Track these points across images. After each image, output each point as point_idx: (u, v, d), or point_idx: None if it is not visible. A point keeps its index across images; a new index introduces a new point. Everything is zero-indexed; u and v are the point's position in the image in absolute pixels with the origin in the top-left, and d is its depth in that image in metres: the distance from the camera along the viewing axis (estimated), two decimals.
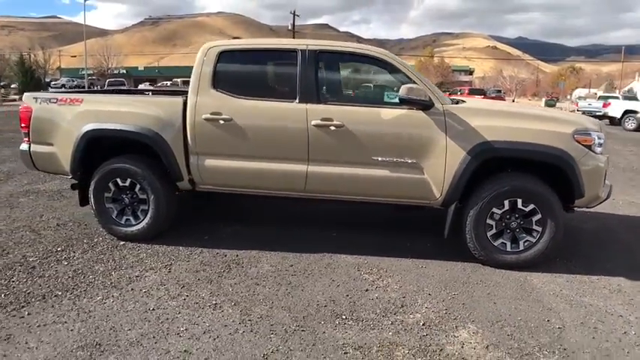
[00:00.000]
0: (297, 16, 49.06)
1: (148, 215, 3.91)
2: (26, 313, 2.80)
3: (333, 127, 3.49)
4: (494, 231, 3.51)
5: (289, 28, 50.09)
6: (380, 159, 3.50)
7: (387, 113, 3.49)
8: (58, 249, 3.81)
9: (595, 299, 3.12)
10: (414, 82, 3.46)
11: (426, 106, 3.39)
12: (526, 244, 3.49)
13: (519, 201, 3.41)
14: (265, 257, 3.71)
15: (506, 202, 3.43)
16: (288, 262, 3.62)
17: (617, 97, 22.35)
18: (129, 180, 3.90)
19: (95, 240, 4.03)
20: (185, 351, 2.45)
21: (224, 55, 3.73)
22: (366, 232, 4.33)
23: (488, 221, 3.49)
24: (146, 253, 3.77)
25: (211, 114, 3.65)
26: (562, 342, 2.60)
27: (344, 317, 2.83)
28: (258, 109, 3.64)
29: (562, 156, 3.28)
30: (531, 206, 3.40)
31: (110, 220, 4.00)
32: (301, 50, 3.63)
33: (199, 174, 3.81)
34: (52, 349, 2.44)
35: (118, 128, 3.78)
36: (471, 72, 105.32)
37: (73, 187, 4.27)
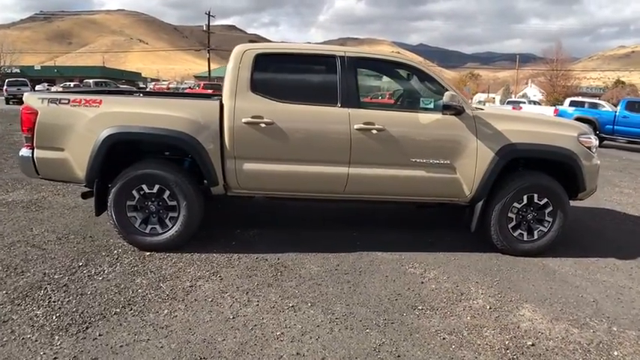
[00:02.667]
0: (213, 16, 47.89)
1: (179, 222, 3.72)
2: (97, 334, 2.56)
3: (374, 131, 3.67)
4: (513, 223, 3.95)
5: (204, 29, 48.68)
6: (417, 160, 3.76)
7: (425, 118, 3.76)
8: (79, 264, 3.46)
9: (605, 276, 3.69)
10: (447, 90, 3.78)
11: (459, 111, 3.73)
12: (539, 233, 3.99)
13: (535, 196, 3.90)
14: (307, 259, 3.75)
15: (525, 197, 3.90)
16: (331, 262, 3.71)
17: (524, 102, 25.38)
18: (157, 186, 3.67)
19: (115, 252, 3.72)
20: (297, 354, 2.46)
21: (260, 59, 3.71)
22: (385, 230, 4.55)
23: (509, 215, 3.92)
24: (182, 262, 3.59)
25: (252, 117, 3.61)
26: (602, 312, 3.08)
27: (420, 308, 3.02)
28: (300, 113, 3.69)
29: (572, 156, 3.84)
30: (545, 200, 3.91)
31: (132, 229, 3.72)
32: (340, 57, 3.75)
33: (236, 178, 3.73)
34: None
35: (151, 132, 3.55)
36: (380, 77, 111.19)
37: (84, 195, 3.89)
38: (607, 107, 17.59)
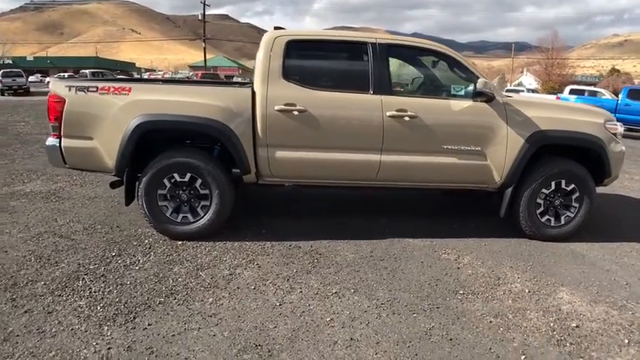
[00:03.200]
0: (208, 5, 47.29)
1: (211, 211, 3.70)
2: (146, 323, 2.55)
3: (407, 118, 3.66)
4: (542, 209, 3.98)
5: (199, 18, 48.08)
6: (449, 147, 3.76)
7: (456, 105, 3.75)
8: (112, 254, 3.44)
9: (632, 260, 3.74)
10: (477, 76, 3.77)
11: (490, 98, 3.72)
12: (566, 218, 4.02)
13: (563, 182, 3.92)
14: (339, 246, 3.75)
15: (553, 183, 3.92)
16: (364, 249, 3.71)
17: (522, 90, 25.48)
18: (189, 175, 3.65)
19: (146, 241, 3.70)
20: (351, 339, 2.47)
21: (292, 45, 3.67)
22: (410, 217, 4.56)
23: (538, 200, 3.95)
24: (216, 250, 3.58)
25: (285, 105, 3.58)
26: (636, 294, 3.13)
27: (462, 292, 3.05)
28: (333, 100, 3.66)
29: (598, 142, 3.86)
30: (572, 186, 3.94)
31: (163, 219, 3.70)
32: (371, 44, 3.72)
33: (269, 166, 3.71)
34: (213, 356, 2.29)
35: (183, 120, 3.51)
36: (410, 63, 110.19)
37: (112, 185, 3.85)
38: (607, 95, 17.70)
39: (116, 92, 3.55)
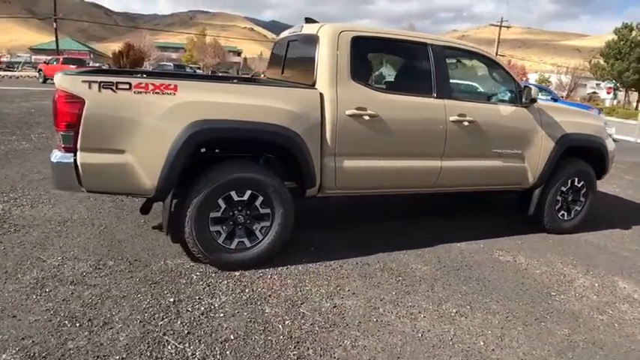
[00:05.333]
0: None
1: (272, 233, 3.15)
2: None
3: (466, 123, 3.62)
4: (559, 205, 4.37)
5: None
6: (497, 151, 3.86)
7: (504, 110, 3.85)
8: (170, 300, 2.68)
9: (633, 245, 4.35)
10: (515, 81, 3.92)
11: (531, 103, 3.92)
12: (575, 212, 4.48)
13: (576, 179, 4.36)
14: (403, 258, 3.54)
15: (569, 182, 4.33)
16: (429, 258, 3.57)
17: None
18: (248, 192, 3.04)
19: (194, 276, 2.97)
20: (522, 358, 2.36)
21: (357, 42, 3.29)
22: (432, 221, 4.54)
23: (557, 197, 4.32)
24: (285, 278, 3.06)
25: (356, 109, 3.22)
26: None
27: (552, 293, 3.17)
28: (403, 104, 3.42)
29: (603, 142, 4.39)
30: (582, 183, 4.40)
31: (215, 246, 3.03)
32: (430, 45, 3.57)
33: (335, 177, 3.30)
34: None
35: (251, 128, 2.89)
36: (239, 53, 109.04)
37: (144, 210, 3.01)
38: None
39: (158, 91, 2.74)
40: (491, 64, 3.99)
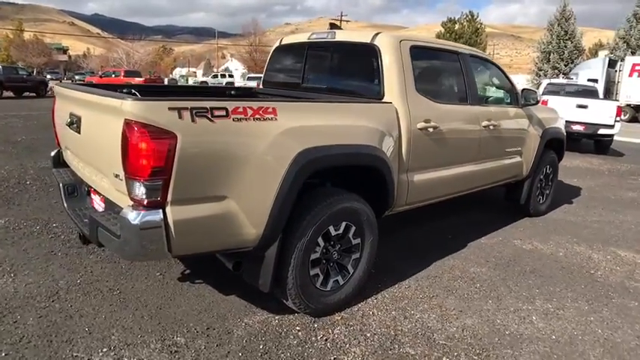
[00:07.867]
0: None
1: (362, 264, 2.86)
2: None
3: (492, 127, 3.82)
4: (538, 191, 4.94)
5: None
6: (507, 150, 4.18)
7: (511, 111, 4.17)
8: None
9: (610, 215, 5.18)
10: (512, 84, 4.28)
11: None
12: (546, 195, 5.13)
13: (548, 167, 4.98)
14: (458, 264, 3.59)
15: (544, 170, 4.92)
16: (479, 261, 3.66)
17: (231, 76, 28.03)
18: (343, 224, 2.69)
19: (297, 336, 2.54)
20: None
21: (414, 52, 3.16)
22: (439, 219, 4.69)
23: (538, 184, 4.88)
24: (372, 308, 2.83)
25: (424, 122, 3.11)
26: None
27: (592, 272, 3.58)
28: (454, 114, 3.46)
29: (564, 133, 5.10)
30: (551, 169, 5.05)
31: (315, 293, 2.62)
32: (460, 53, 3.65)
33: (407, 193, 3.14)
34: None
35: (353, 152, 2.56)
36: (65, 50, 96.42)
37: (236, 267, 2.41)
38: None
39: (258, 116, 2.21)
40: (497, 69, 4.27)
